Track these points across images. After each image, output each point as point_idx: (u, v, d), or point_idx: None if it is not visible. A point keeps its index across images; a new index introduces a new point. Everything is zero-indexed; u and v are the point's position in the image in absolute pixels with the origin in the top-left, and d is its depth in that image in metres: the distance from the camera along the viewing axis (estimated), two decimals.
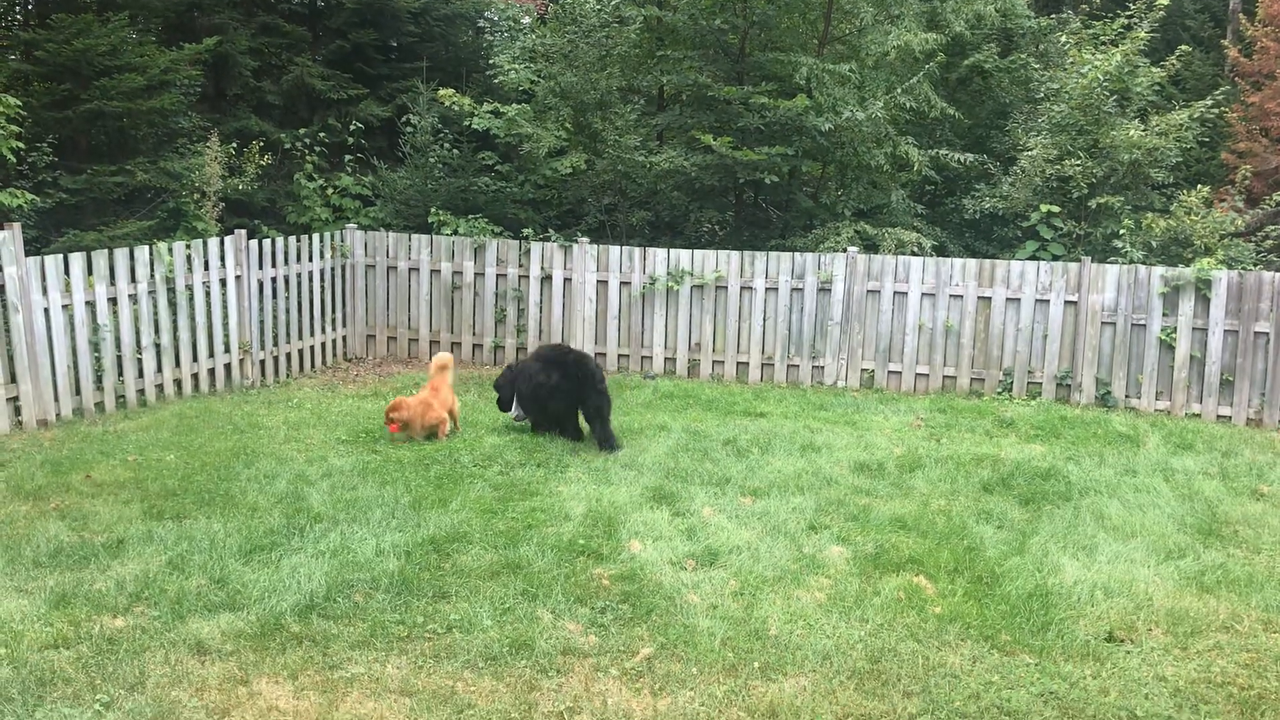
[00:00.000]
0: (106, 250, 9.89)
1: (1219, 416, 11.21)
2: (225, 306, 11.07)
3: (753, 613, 5.88)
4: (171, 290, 10.44)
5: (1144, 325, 11.42)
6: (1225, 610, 6.07)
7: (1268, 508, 7.95)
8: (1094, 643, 5.63)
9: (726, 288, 12.42)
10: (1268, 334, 11.00)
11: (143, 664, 5.06)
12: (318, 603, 5.76)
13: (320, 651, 5.26)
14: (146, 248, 10.23)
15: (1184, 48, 14.71)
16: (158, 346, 10.36)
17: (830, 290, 12.16)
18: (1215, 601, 6.18)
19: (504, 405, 9.94)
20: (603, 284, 12.68)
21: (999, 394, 11.83)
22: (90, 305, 9.70)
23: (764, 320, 12.39)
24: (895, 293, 12.04)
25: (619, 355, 12.76)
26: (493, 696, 4.91)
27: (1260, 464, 9.20)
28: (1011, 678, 5.23)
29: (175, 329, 10.53)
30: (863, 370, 12.27)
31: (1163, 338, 11.34)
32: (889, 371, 12.21)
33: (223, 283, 11.02)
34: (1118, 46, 13.67)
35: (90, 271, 9.71)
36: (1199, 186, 13.19)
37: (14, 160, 10.91)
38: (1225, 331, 11.15)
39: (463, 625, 5.59)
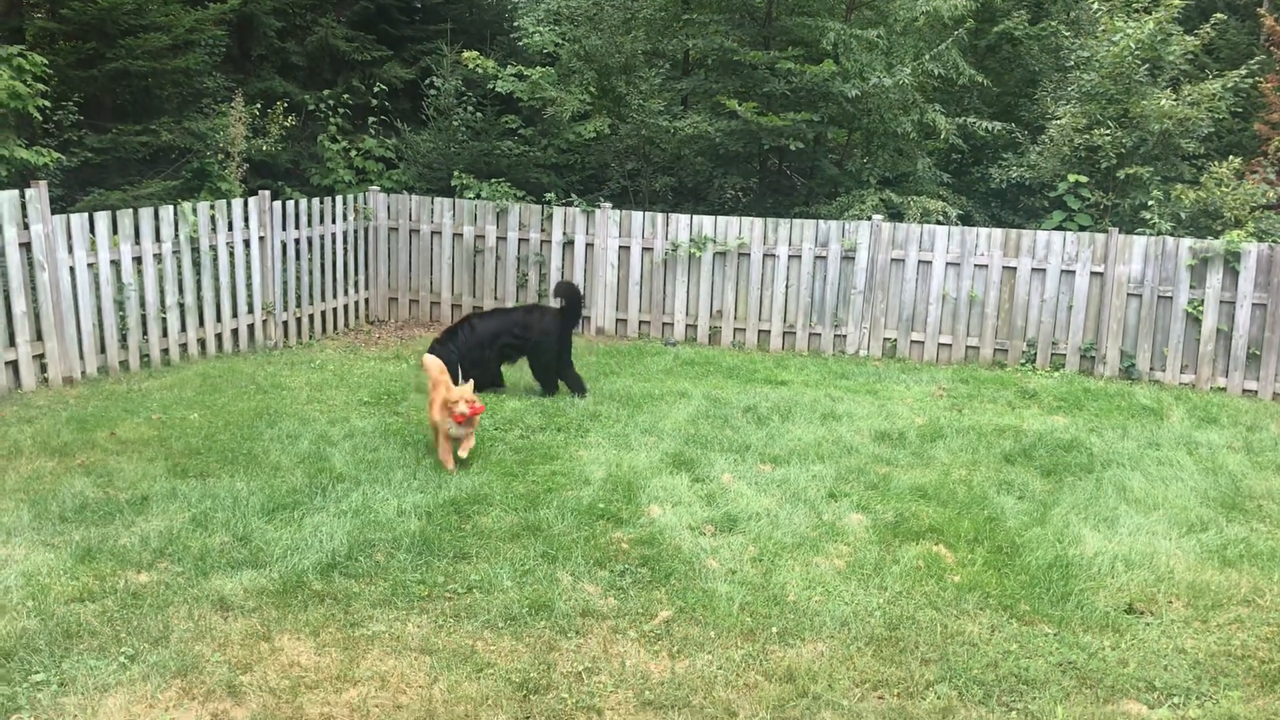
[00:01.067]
0: (131, 210, 9.92)
1: (1245, 391, 11.11)
2: (249, 267, 11.10)
3: (771, 578, 5.89)
4: (196, 250, 10.48)
5: (1170, 297, 11.30)
6: (1247, 584, 6.04)
7: None
8: (1114, 614, 5.62)
9: (749, 255, 12.36)
10: None
11: (167, 618, 5.12)
12: (339, 561, 5.81)
13: (342, 609, 5.31)
14: (171, 207, 10.26)
15: (1219, 16, 14.46)
16: (181, 306, 10.41)
17: (854, 258, 12.09)
18: (1237, 575, 6.15)
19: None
20: (625, 250, 12.65)
21: (1022, 365, 11.76)
22: (115, 264, 9.75)
23: (786, 288, 12.34)
24: (919, 261, 11.96)
25: (640, 322, 12.74)
26: (512, 656, 4.95)
27: None
28: (1030, 647, 5.23)
29: (199, 289, 10.58)
30: (885, 339, 12.21)
31: (1189, 310, 11.23)
32: (911, 341, 12.15)
33: (246, 244, 11.04)
34: (1150, 14, 13.44)
35: (115, 230, 9.75)
36: (1230, 158, 13.00)
37: (39, 119, 10.93)
38: (1253, 305, 11.02)
39: (483, 586, 5.63)
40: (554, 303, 10.49)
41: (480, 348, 9.49)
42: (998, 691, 4.79)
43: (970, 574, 6.01)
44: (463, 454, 7.46)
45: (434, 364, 8.06)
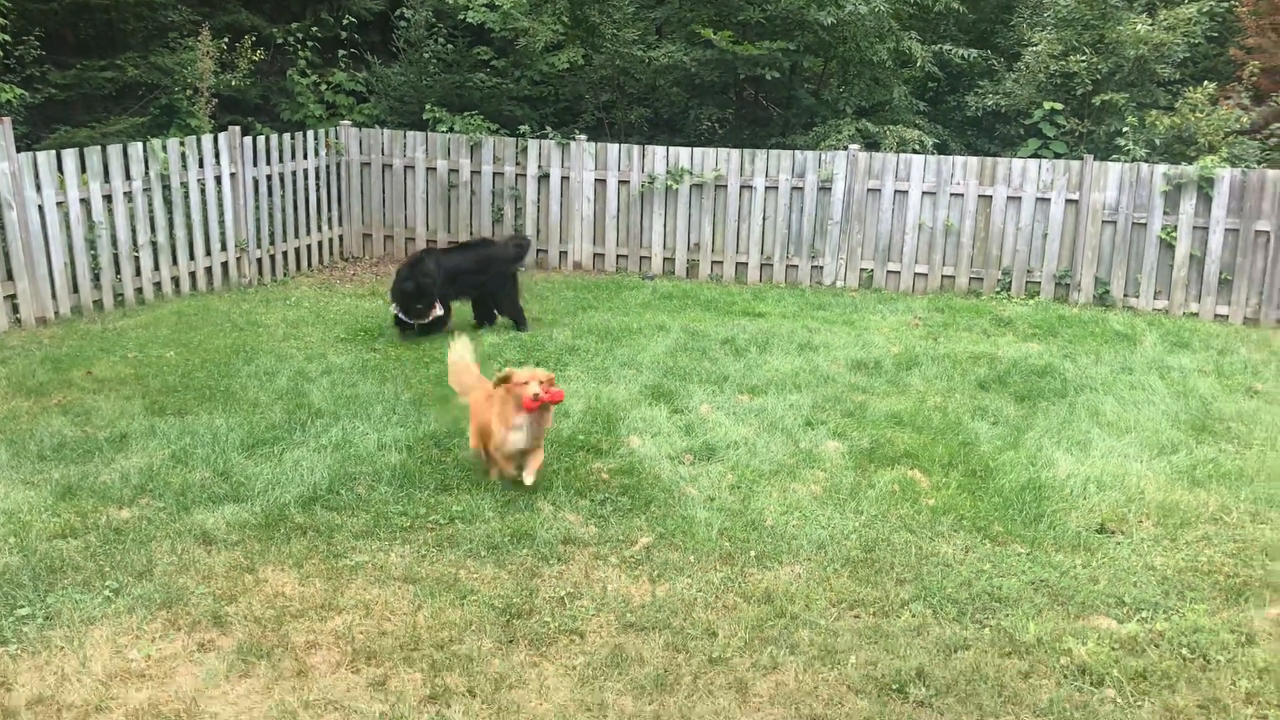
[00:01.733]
0: (100, 147, 9.78)
1: (1216, 315, 11.23)
2: (221, 204, 10.99)
3: (749, 505, 5.97)
4: (167, 188, 10.35)
5: (1145, 224, 11.36)
6: (1215, 503, 6.16)
7: (1261, 404, 8.02)
8: (1085, 534, 5.73)
9: (726, 187, 12.31)
10: (1268, 233, 10.96)
11: (149, 553, 5.15)
12: (321, 494, 5.84)
13: (324, 541, 5.35)
14: (140, 144, 10.12)
15: None
16: (154, 244, 10.31)
17: (830, 189, 12.07)
18: (1205, 494, 6.27)
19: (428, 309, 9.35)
20: (601, 183, 12.57)
21: (997, 293, 11.83)
22: (85, 203, 9.63)
23: (763, 220, 12.32)
24: (896, 191, 11.95)
25: (618, 256, 12.71)
26: (495, 583, 5.01)
27: (1255, 362, 9.25)
28: (1003, 566, 5.33)
29: (171, 227, 10.47)
30: (862, 270, 12.24)
31: (1163, 236, 11.30)
32: (888, 271, 12.18)
33: (217, 180, 10.92)
34: None
35: (84, 169, 9.61)
36: (1205, 83, 12.99)
37: (0, 54, 10.71)
38: (1226, 230, 11.10)
39: (465, 516, 5.68)
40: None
41: (445, 284, 9.41)
42: (971, 609, 4.89)
43: (945, 497, 6.10)
44: (529, 478, 5.84)
45: (461, 361, 6.43)
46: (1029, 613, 4.86)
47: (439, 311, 9.33)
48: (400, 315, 9.23)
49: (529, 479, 5.86)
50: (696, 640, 4.54)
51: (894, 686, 4.27)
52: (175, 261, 10.54)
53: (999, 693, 4.24)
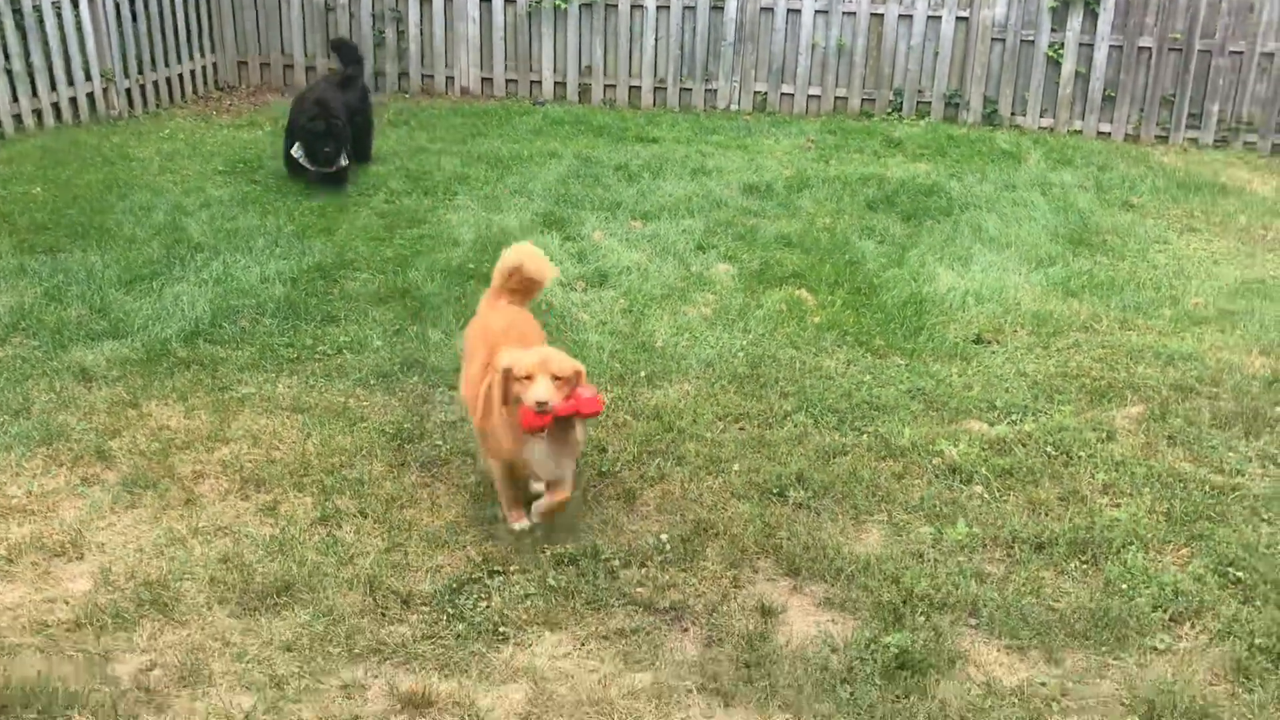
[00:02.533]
0: None
1: (1100, 133, 11.44)
2: (80, 29, 10.30)
3: (640, 328, 6.03)
4: (18, 11, 9.65)
5: (1033, 41, 11.40)
6: (1087, 312, 6.41)
7: (1136, 217, 8.29)
8: (962, 344, 5.93)
9: (617, 6, 11.95)
10: (1151, 49, 11.09)
11: (26, 391, 5.02)
12: (203, 329, 5.74)
13: (209, 374, 5.28)
14: None
15: None
16: (9, 73, 9.67)
17: (723, 8, 11.80)
18: (1078, 304, 6.52)
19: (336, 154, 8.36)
20: (485, 2, 12.09)
21: (889, 114, 11.84)
22: None
23: (656, 41, 12.04)
24: (789, 10, 11.74)
25: (507, 81, 12.35)
26: (385, 410, 5.02)
27: (1133, 177, 9.51)
28: (883, 378, 5.52)
29: (27, 54, 9.81)
30: (755, 93, 12.11)
31: (1050, 54, 11.37)
32: (781, 94, 12.08)
33: (74, 2, 10.22)
34: None
35: None
36: None
37: None
38: (1111, 47, 11.21)
39: (353, 347, 5.64)
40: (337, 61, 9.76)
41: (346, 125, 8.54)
42: (851, 418, 5.07)
43: (830, 314, 6.24)
44: (544, 507, 4.04)
45: (481, 329, 4.34)
46: (905, 419, 5.07)
47: (344, 162, 8.35)
48: (302, 160, 8.23)
49: (545, 506, 4.05)
50: (586, 456, 4.64)
51: (774, 491, 4.45)
52: (35, 92, 9.92)
53: (873, 493, 4.45)
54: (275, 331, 5.76)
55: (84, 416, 4.83)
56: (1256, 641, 3.58)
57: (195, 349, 5.52)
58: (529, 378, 3.67)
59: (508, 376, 3.74)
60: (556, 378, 3.68)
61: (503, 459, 3.99)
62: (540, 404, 3.60)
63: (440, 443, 4.74)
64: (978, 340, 6.01)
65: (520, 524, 4.10)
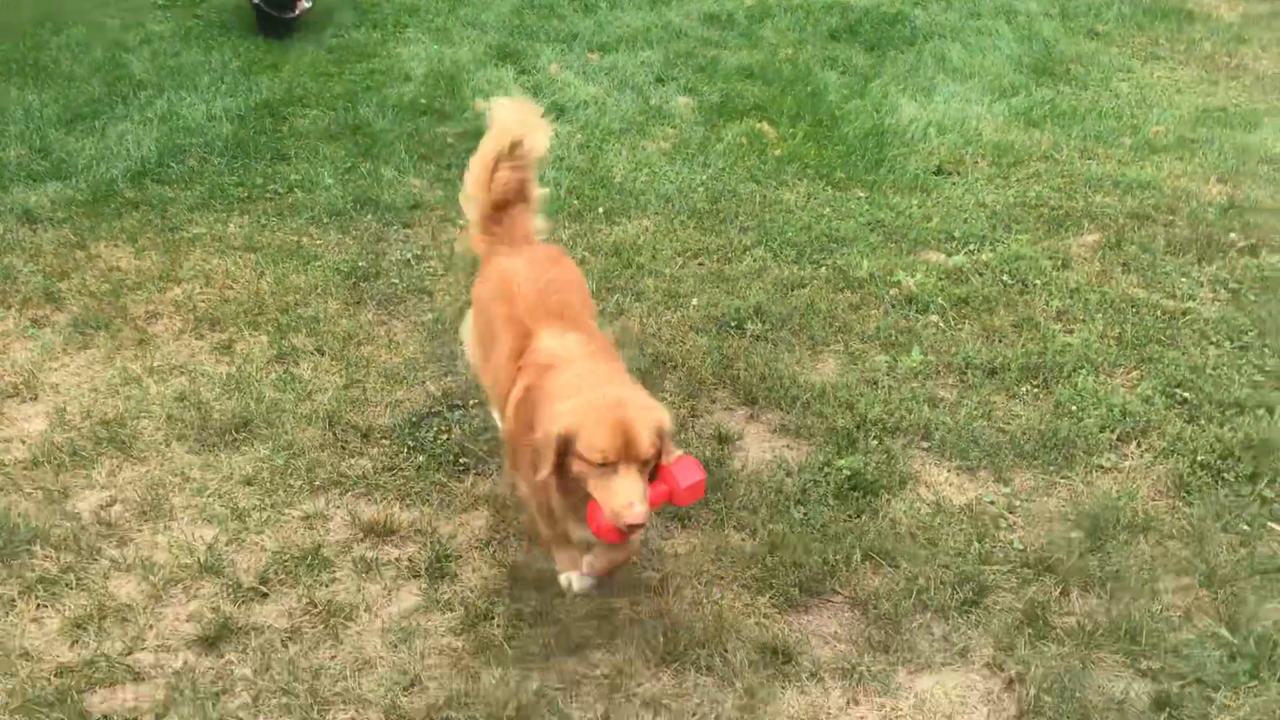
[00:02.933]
0: None
1: None
2: None
3: (598, 163, 5.93)
4: None
5: None
6: (1048, 141, 6.36)
7: (1101, 46, 8.14)
8: (923, 176, 5.89)
9: None
10: None
11: None
12: (150, 168, 5.59)
13: (158, 214, 5.17)
14: None
15: None
16: None
17: None
18: (1040, 134, 6.46)
19: None
20: None
21: None
22: None
23: None
24: None
25: None
26: (340, 248, 4.96)
27: (1099, 3, 9.26)
28: (843, 210, 5.48)
29: None
30: None
31: None
32: None
33: None
34: None
35: None
36: None
37: None
38: None
39: (304, 185, 5.53)
40: None
41: None
42: (810, 251, 5.06)
43: (791, 147, 6.16)
44: (605, 564, 3.09)
45: (500, 291, 3.21)
46: (864, 251, 5.06)
47: (306, 4, 7.65)
48: (262, 3, 7.55)
49: (576, 574, 3.13)
50: None
51: (733, 324, 4.47)
52: None
53: (830, 323, 4.48)
54: (224, 170, 5.63)
55: (30, 259, 4.74)
56: (1199, 459, 3.69)
57: (143, 189, 5.39)
58: (604, 464, 2.58)
59: (566, 445, 2.63)
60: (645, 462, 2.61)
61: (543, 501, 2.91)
62: (631, 526, 2.56)
63: (396, 280, 4.70)
64: (938, 172, 5.96)
65: (574, 579, 3.12)
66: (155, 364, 4.06)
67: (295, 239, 5.01)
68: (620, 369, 2.98)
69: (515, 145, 3.26)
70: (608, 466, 2.56)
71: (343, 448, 3.67)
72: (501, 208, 3.34)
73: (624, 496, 2.54)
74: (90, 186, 5.36)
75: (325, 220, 5.19)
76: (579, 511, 2.73)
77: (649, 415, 2.63)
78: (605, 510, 2.57)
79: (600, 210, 5.41)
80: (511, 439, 3.00)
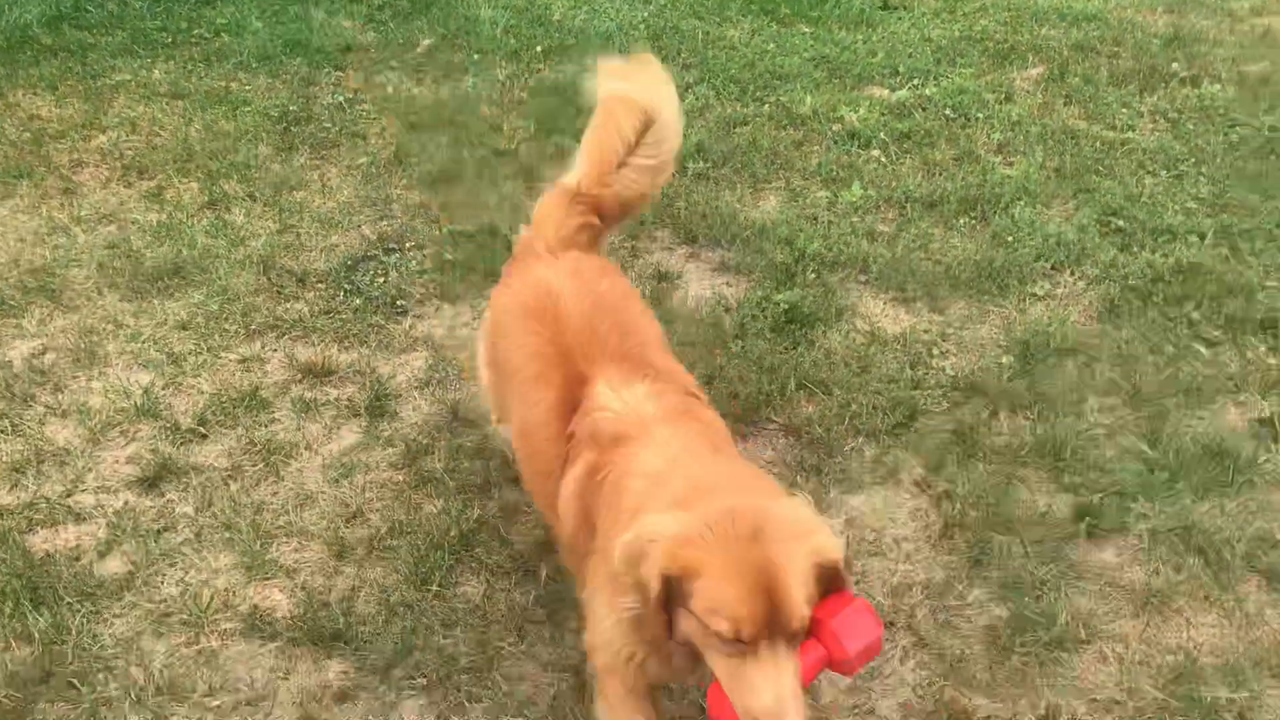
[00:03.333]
0: None
1: None
2: None
3: (536, 0, 5.76)
4: None
5: None
6: None
7: None
8: (870, 11, 5.79)
9: None
10: None
11: None
12: (67, 12, 5.38)
13: (78, 61, 4.99)
14: None
15: None
16: None
17: None
18: None
19: None
20: None
21: None
22: None
23: None
24: None
25: None
26: (270, 93, 4.82)
27: None
28: (787, 46, 5.38)
29: None
30: None
31: None
32: None
33: None
34: None
35: None
36: None
37: None
38: None
39: (231, 29, 5.34)
40: None
41: None
42: (753, 88, 4.98)
43: None
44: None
45: (540, 313, 2.34)
46: (807, 87, 4.99)
47: None
48: None
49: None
50: (483, 135, 4.53)
51: (685, 164, 4.40)
52: None
53: (772, 160, 4.44)
54: (146, 14, 5.42)
55: None
56: (1130, 283, 3.74)
57: (60, 35, 5.19)
58: (739, 639, 1.69)
59: (669, 592, 1.75)
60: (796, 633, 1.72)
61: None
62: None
63: (329, 125, 4.59)
64: (884, 6, 5.87)
65: None
66: (83, 213, 3.97)
67: (223, 84, 4.86)
68: (726, 441, 2.15)
69: (648, 125, 2.41)
70: (747, 643, 1.69)
71: (278, 292, 3.63)
72: (618, 215, 2.57)
73: (767, 695, 1.68)
74: (3, 32, 5.16)
75: (254, 65, 5.03)
76: (676, 665, 1.91)
77: (804, 550, 1.72)
78: (737, 707, 1.74)
79: (538, 49, 5.28)
80: (574, 542, 2.15)
